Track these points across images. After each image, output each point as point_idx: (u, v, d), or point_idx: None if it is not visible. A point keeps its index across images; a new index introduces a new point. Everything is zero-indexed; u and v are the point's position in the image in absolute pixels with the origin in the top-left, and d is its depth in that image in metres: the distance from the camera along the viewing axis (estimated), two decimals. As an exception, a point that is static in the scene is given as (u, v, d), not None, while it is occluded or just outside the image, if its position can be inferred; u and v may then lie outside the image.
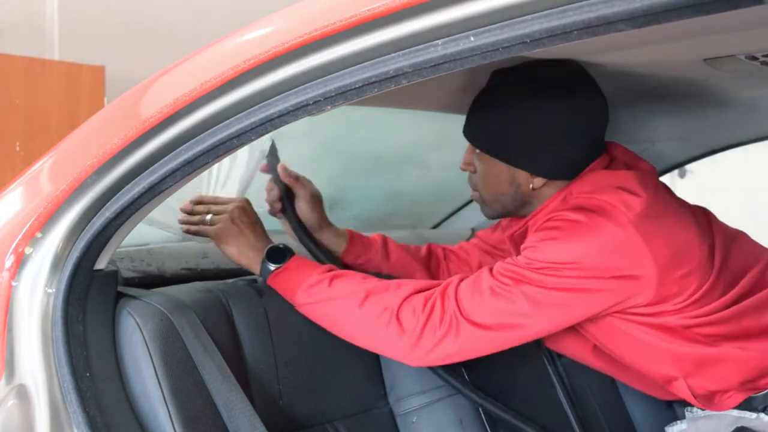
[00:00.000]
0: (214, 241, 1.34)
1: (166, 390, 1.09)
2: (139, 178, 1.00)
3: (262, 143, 1.44)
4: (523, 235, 1.31)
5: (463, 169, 1.37)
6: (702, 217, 1.31)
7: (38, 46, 3.58)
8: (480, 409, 1.43)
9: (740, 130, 1.85)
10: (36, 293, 1.06)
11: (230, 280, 1.38)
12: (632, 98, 1.48)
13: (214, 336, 1.19)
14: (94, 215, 1.04)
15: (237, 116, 0.92)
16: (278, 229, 1.44)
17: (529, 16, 0.72)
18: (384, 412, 1.42)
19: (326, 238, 1.44)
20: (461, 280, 1.21)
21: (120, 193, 1.01)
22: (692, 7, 0.65)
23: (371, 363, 1.44)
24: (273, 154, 1.44)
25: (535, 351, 1.61)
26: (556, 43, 0.72)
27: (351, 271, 1.29)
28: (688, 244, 1.20)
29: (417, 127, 1.96)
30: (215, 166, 1.55)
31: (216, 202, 1.36)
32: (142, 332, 1.11)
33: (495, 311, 1.16)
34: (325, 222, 1.45)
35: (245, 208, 1.35)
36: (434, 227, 2.15)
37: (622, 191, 1.20)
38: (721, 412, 1.26)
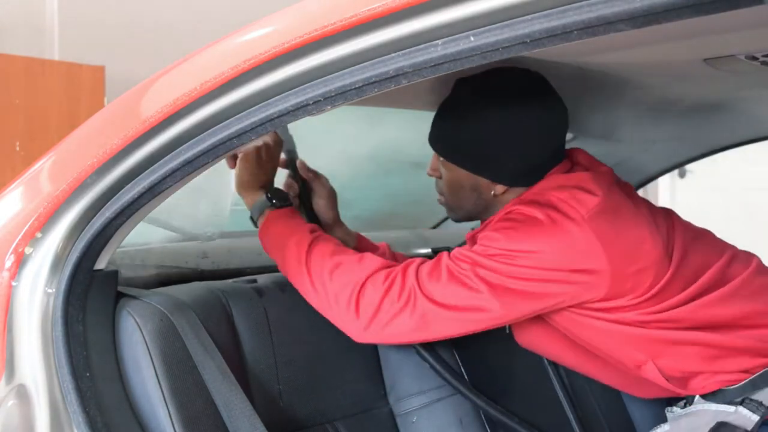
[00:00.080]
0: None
1: (166, 390, 1.09)
2: (139, 178, 1.00)
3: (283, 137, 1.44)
4: None
5: (430, 175, 1.41)
6: (662, 216, 1.34)
7: (38, 46, 3.58)
8: (480, 410, 1.44)
9: (740, 130, 1.85)
10: (36, 293, 1.06)
11: (230, 280, 1.38)
12: (632, 98, 1.48)
13: (214, 336, 1.19)
14: (94, 215, 1.04)
15: (237, 116, 0.92)
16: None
17: (529, 16, 0.72)
18: (384, 412, 1.43)
19: (338, 236, 1.46)
20: (423, 262, 1.24)
21: (120, 193, 1.01)
22: (692, 7, 0.65)
23: (371, 363, 1.44)
24: (291, 149, 1.45)
25: (535, 351, 1.61)
26: (556, 43, 0.73)
27: (329, 238, 1.32)
28: (641, 241, 1.23)
29: (417, 127, 1.95)
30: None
31: None
32: (142, 332, 1.11)
33: (454, 292, 1.19)
34: (338, 220, 1.47)
35: (270, 147, 1.37)
36: (434, 227, 2.15)
37: (576, 189, 1.23)
38: (700, 408, 1.27)
